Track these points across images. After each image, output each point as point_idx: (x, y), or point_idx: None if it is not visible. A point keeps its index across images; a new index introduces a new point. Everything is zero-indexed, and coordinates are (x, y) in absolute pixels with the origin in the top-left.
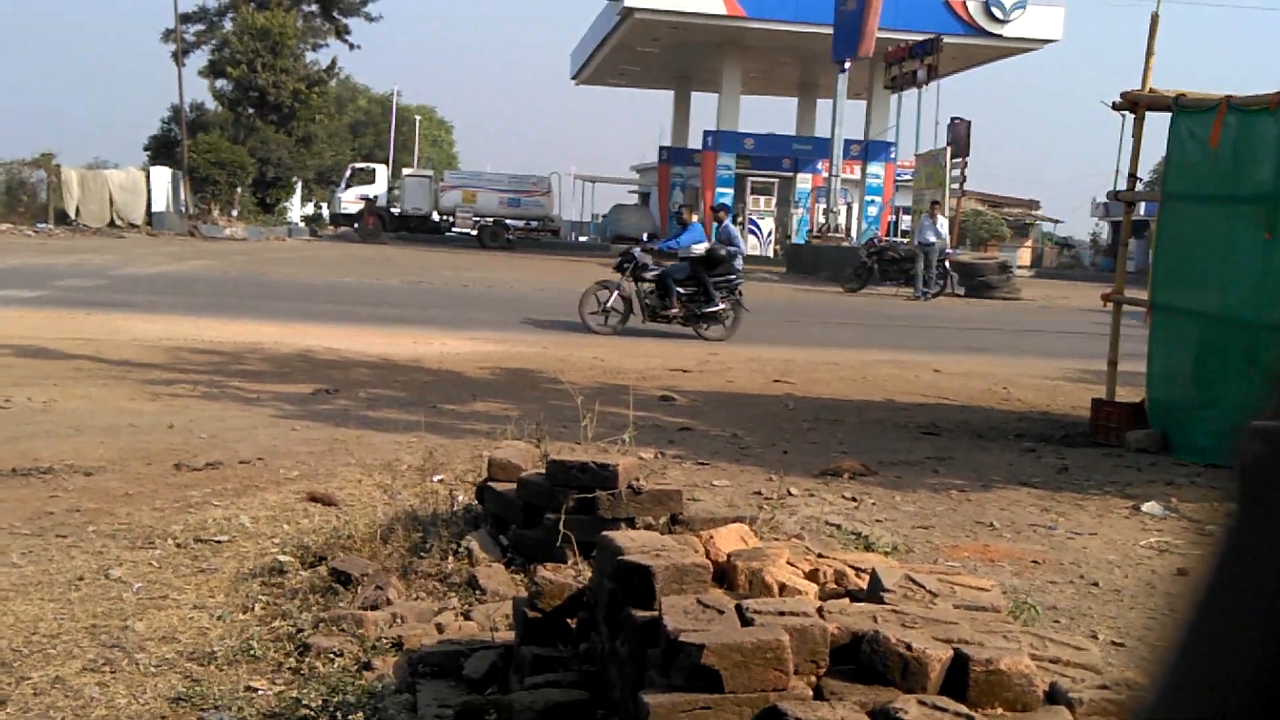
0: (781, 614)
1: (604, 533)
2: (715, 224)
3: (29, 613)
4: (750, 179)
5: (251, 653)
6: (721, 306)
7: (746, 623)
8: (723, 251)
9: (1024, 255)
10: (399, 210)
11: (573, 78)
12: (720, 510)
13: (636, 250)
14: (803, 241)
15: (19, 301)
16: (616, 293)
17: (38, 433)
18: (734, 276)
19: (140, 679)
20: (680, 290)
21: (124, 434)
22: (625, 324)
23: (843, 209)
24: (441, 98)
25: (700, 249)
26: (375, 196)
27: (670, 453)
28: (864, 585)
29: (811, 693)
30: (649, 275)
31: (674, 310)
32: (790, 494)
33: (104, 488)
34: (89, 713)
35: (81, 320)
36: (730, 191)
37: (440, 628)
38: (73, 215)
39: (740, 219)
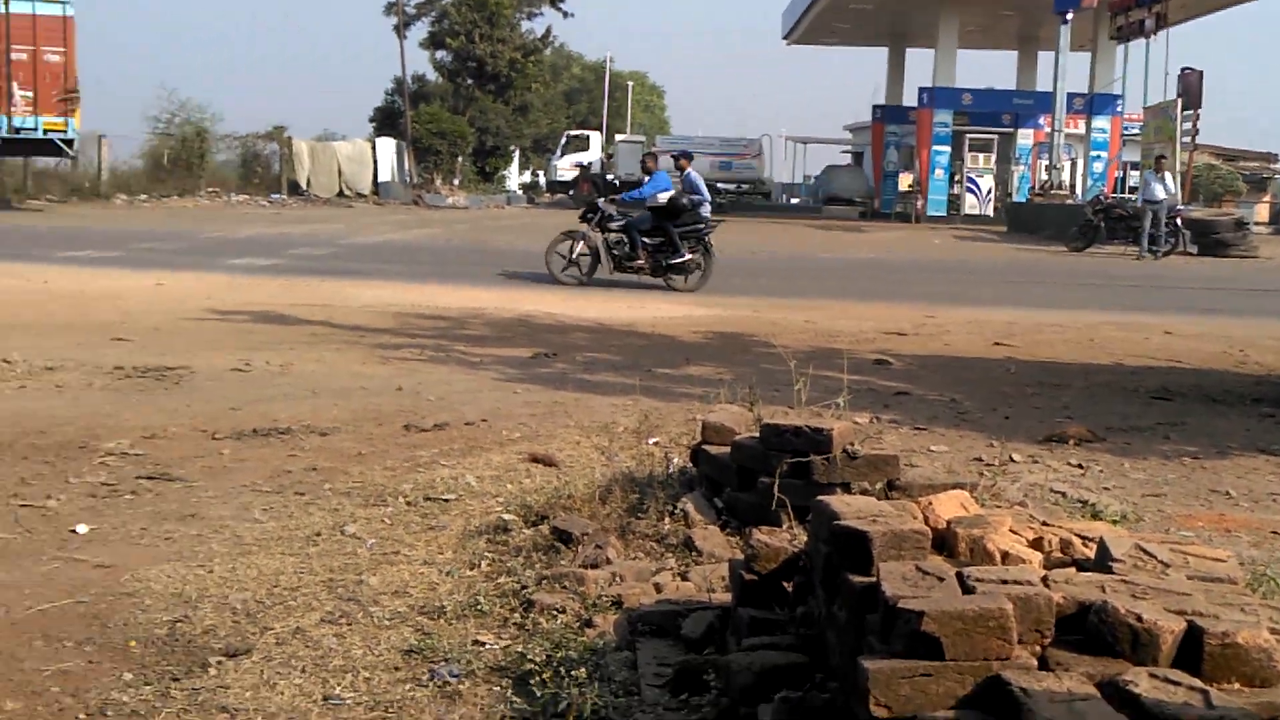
0: (1004, 582)
1: (819, 498)
2: (679, 172)
3: (271, 566)
4: (968, 136)
5: (479, 608)
6: (688, 257)
7: (968, 590)
8: (685, 200)
9: (1261, 211)
10: (613, 176)
11: (784, 37)
12: (939, 476)
13: (601, 200)
14: (1024, 199)
15: (256, 270)
16: (582, 243)
17: (276, 395)
18: (701, 226)
19: (374, 631)
20: (646, 241)
21: (356, 396)
22: (593, 275)
23: (1066, 165)
24: (653, 63)
25: (664, 198)
26: (589, 163)
27: (886, 417)
28: (1091, 554)
29: (1036, 663)
30: (614, 226)
31: (640, 261)
32: (1012, 460)
33: (338, 447)
34: (327, 662)
35: (314, 287)
36: (947, 149)
37: (658, 587)
38: (304, 186)
39: (958, 177)
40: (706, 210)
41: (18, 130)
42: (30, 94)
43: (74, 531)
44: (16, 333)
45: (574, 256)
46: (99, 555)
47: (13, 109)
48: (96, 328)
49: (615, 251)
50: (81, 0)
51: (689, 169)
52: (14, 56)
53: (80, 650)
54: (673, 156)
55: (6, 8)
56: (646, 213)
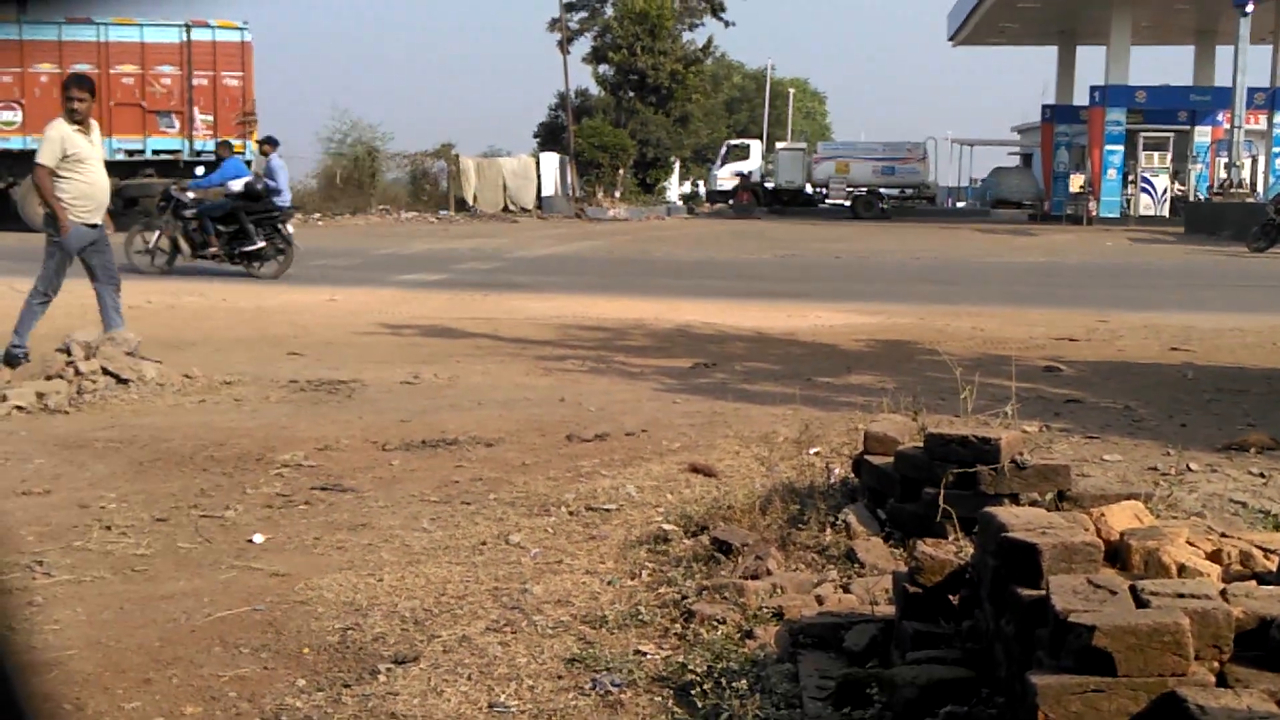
0: (1180, 596)
1: (986, 509)
2: (264, 157)
3: (438, 575)
4: (1142, 134)
5: (640, 618)
6: (262, 245)
7: (1141, 604)
8: (260, 186)
9: None
10: (773, 185)
11: (950, 39)
12: (1112, 486)
13: (173, 188)
14: (1202, 199)
15: (425, 284)
16: (160, 232)
17: (443, 406)
18: (275, 213)
19: (538, 640)
20: (220, 228)
21: (520, 407)
22: (173, 263)
23: (1247, 162)
24: (815, 69)
25: (238, 185)
26: (750, 172)
27: (1056, 426)
28: (1273, 567)
29: (1214, 679)
30: (188, 214)
31: (214, 248)
32: (1190, 469)
33: (503, 458)
34: (492, 670)
35: (480, 301)
36: (1120, 149)
37: (819, 599)
38: (470, 202)
39: (1132, 177)
40: (285, 199)
41: (199, 153)
42: (210, 118)
43: (251, 541)
44: (198, 348)
45: (153, 245)
46: (274, 564)
47: (194, 133)
48: (273, 343)
49: (195, 238)
50: (258, 25)
51: (273, 155)
52: (195, 82)
53: (256, 656)
54: (258, 141)
55: (189, 36)
56: (225, 200)
